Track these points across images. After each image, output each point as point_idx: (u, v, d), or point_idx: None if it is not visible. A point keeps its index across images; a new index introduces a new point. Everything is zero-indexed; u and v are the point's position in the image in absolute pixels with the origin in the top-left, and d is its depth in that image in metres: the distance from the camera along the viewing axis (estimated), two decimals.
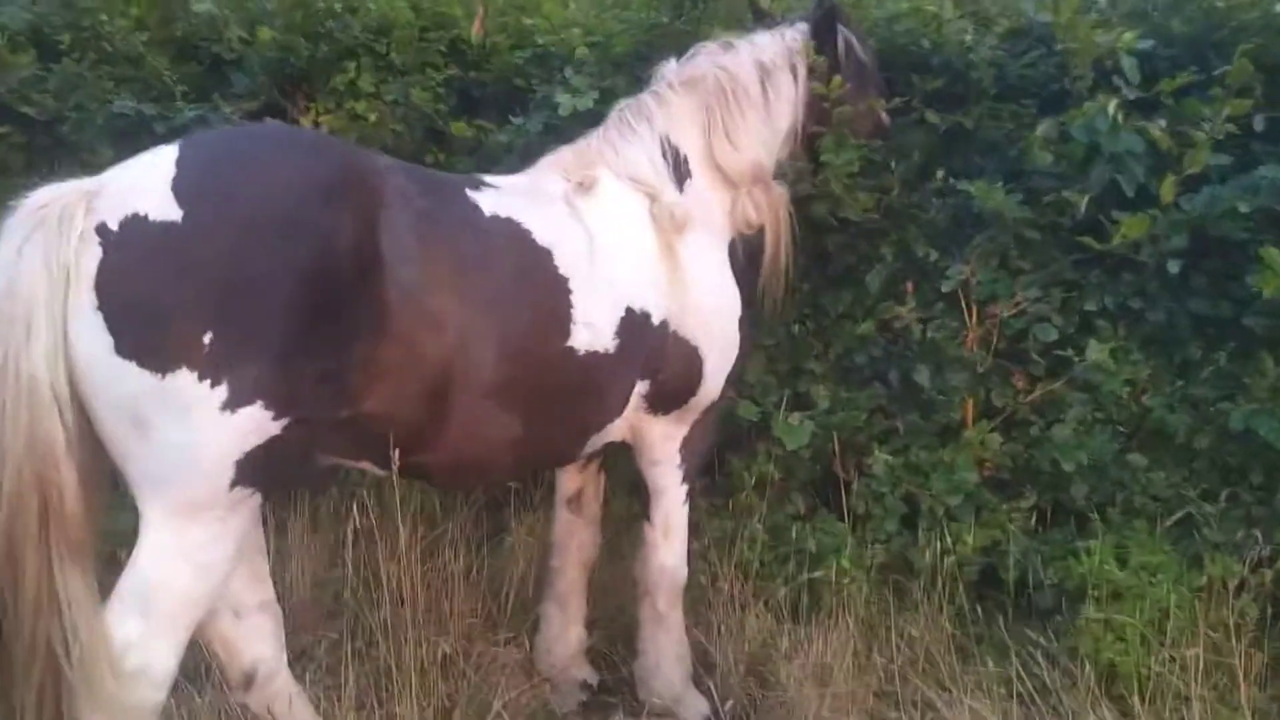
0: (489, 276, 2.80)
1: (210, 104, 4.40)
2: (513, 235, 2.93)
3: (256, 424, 2.35)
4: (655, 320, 3.18)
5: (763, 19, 3.93)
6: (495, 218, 2.92)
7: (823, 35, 3.74)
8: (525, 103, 4.46)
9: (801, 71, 3.69)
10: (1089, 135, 3.46)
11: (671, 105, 3.51)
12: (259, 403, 2.34)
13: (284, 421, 2.39)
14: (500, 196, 3.01)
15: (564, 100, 4.13)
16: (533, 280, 2.92)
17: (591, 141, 3.44)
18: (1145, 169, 3.51)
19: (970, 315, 3.94)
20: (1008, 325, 3.89)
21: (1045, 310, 3.85)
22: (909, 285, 4.06)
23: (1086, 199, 3.59)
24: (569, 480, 3.68)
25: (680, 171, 3.44)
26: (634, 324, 3.10)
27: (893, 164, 3.95)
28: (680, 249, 3.28)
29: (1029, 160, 3.78)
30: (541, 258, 2.95)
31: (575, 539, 3.68)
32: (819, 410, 4.02)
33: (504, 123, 4.35)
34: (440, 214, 2.77)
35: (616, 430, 3.31)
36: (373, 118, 4.36)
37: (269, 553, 3.02)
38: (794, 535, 3.92)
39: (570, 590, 3.68)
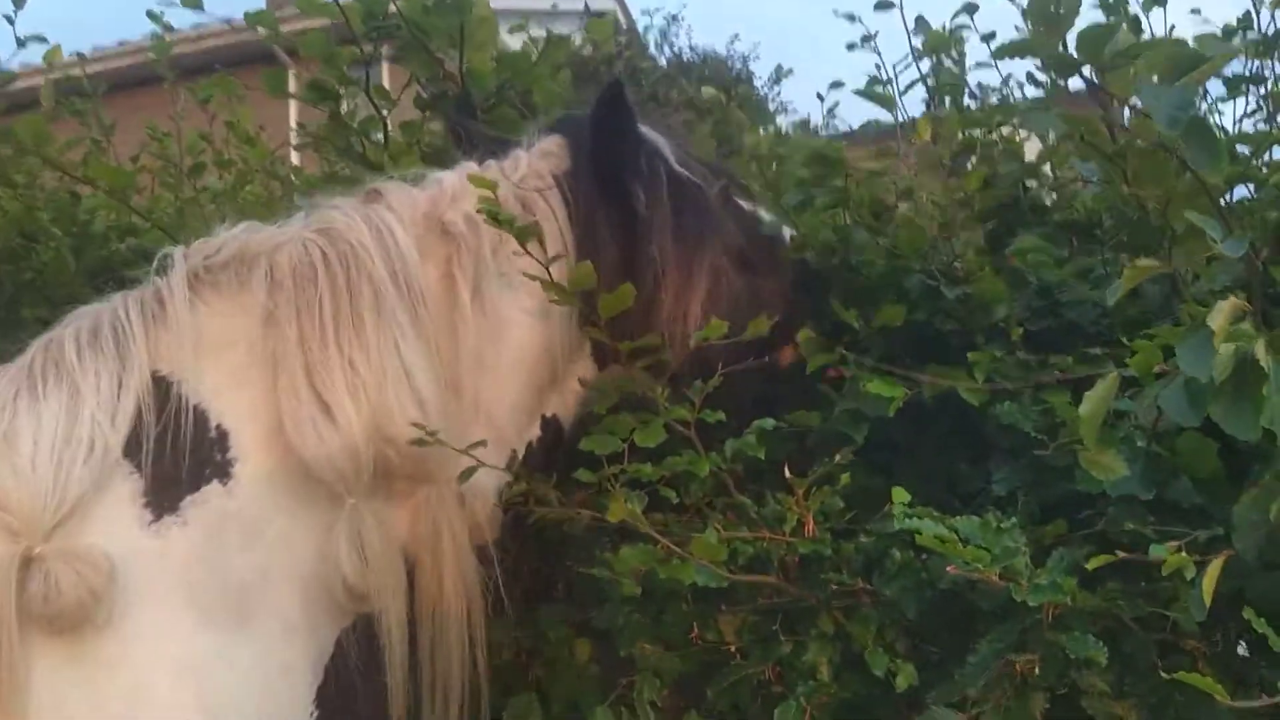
0: None
1: None
2: None
3: None
4: None
5: (475, 142, 2.17)
6: None
7: (606, 154, 1.97)
8: None
9: (559, 230, 1.93)
10: None
11: (182, 319, 1.70)
12: None
13: None
14: None
15: None
16: None
17: None
18: None
19: None
20: None
21: None
22: None
23: None
24: None
25: (195, 463, 1.61)
26: None
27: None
28: (55, 680, 1.43)
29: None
30: None
31: None
32: None
33: None
34: None
35: None
36: None
37: None
38: None
39: None
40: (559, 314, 1.89)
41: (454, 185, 1.93)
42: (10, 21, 3.28)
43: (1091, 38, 1.40)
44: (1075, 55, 1.41)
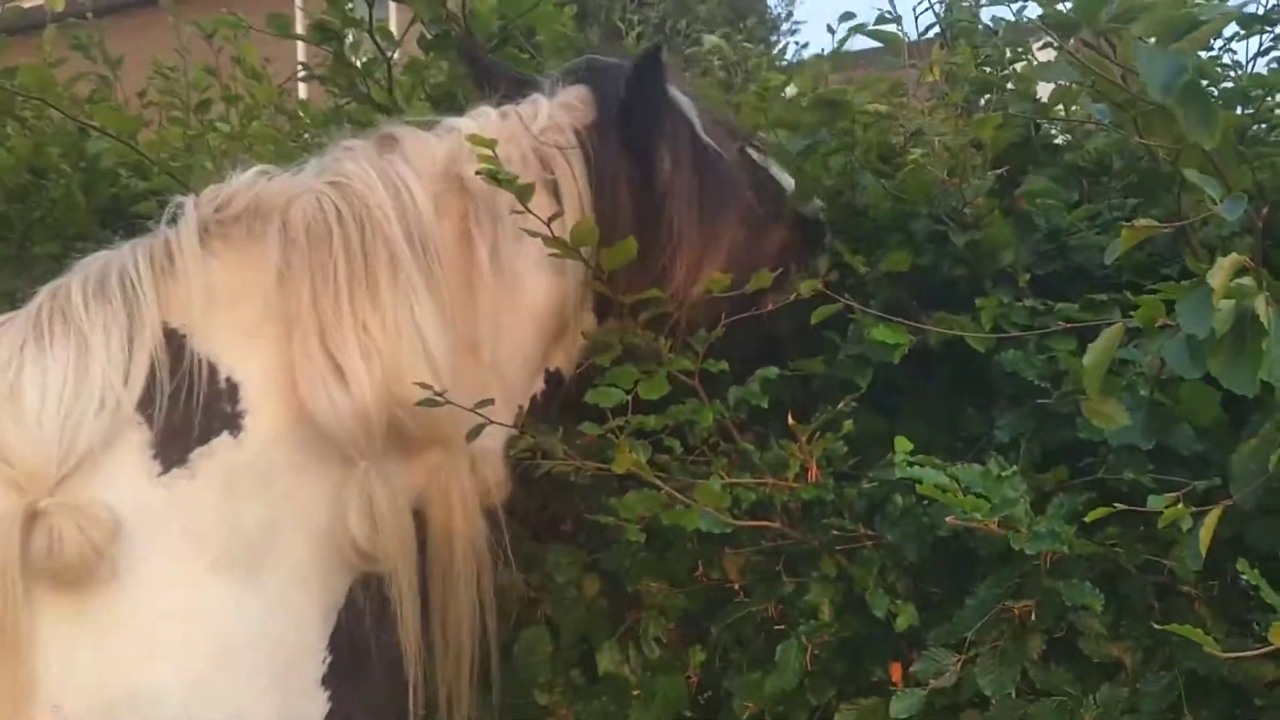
0: None
1: None
2: None
3: None
4: None
5: (494, 82, 2.11)
6: None
7: (636, 113, 1.94)
8: None
9: (579, 191, 1.90)
10: None
11: (192, 272, 1.70)
12: None
13: None
14: None
15: None
16: None
17: None
18: None
19: None
20: None
21: None
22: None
23: None
24: None
25: (205, 415, 1.62)
26: None
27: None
28: (51, 634, 1.45)
29: None
30: None
31: None
32: None
33: None
34: None
35: None
36: None
37: None
38: None
39: None
40: (573, 268, 1.88)
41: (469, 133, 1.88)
42: None
43: (1088, 1, 1.38)
44: (1073, 15, 1.40)
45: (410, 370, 1.67)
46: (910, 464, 1.65)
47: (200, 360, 1.64)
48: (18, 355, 1.59)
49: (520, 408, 1.92)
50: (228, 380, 1.65)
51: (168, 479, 1.57)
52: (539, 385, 1.96)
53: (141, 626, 1.49)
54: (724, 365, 1.87)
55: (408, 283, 1.71)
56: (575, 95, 2.02)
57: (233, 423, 1.63)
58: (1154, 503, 1.45)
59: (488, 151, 1.70)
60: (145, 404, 1.60)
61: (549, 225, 1.72)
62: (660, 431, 1.86)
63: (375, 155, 1.84)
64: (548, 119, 1.97)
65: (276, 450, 1.64)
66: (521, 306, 1.87)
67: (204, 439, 1.60)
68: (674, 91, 2.01)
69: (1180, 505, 1.43)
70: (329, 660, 1.64)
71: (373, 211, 1.74)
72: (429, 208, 1.79)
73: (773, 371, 1.92)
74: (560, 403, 1.99)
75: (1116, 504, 1.49)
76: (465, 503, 1.78)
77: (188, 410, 1.61)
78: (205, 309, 1.68)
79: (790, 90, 2.72)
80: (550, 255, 1.80)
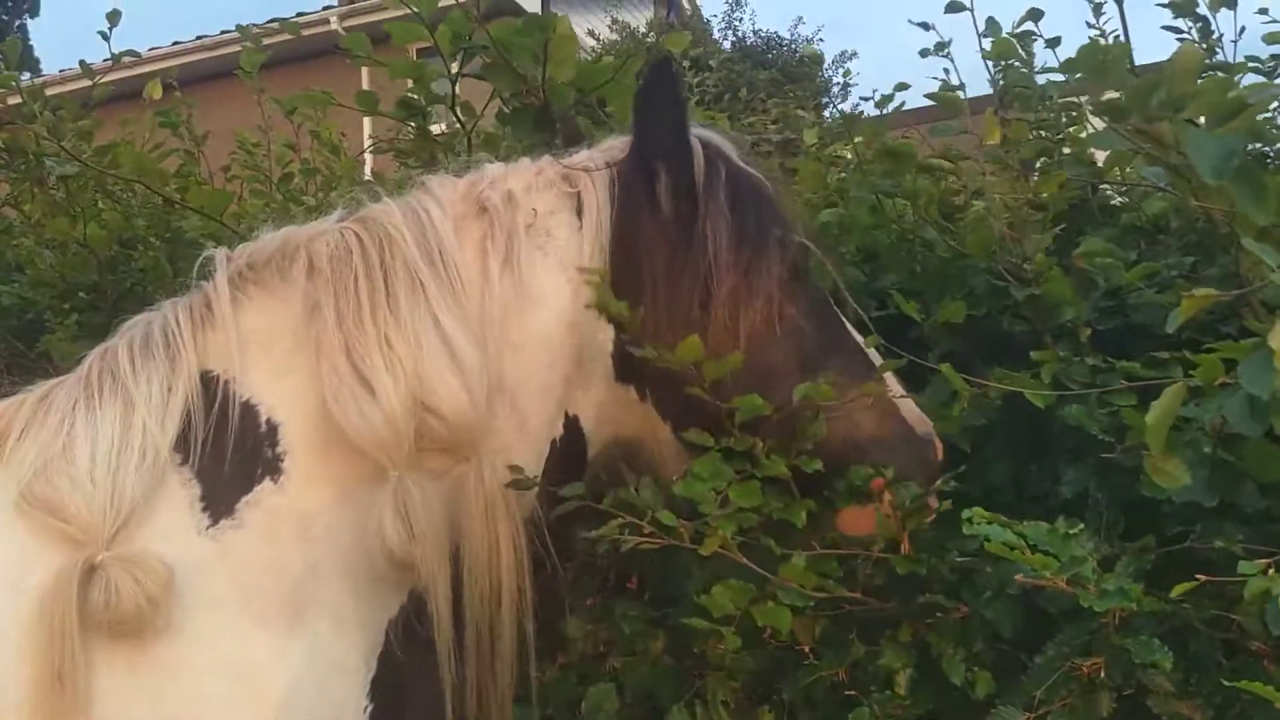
0: None
1: None
2: None
3: None
4: None
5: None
6: None
7: (646, 122, 1.93)
8: None
9: (598, 204, 1.90)
10: None
11: (227, 318, 1.73)
12: None
13: None
14: None
15: None
16: None
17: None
18: None
19: None
20: None
21: None
22: None
23: None
24: None
25: (248, 460, 1.64)
26: None
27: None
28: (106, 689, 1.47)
29: None
30: None
31: None
32: None
33: None
34: None
35: None
36: None
37: None
38: None
39: None
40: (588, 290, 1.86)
41: (496, 170, 1.94)
42: (105, 38, 3.41)
43: (1138, 89, 1.42)
44: (1124, 103, 1.44)
45: (436, 376, 1.67)
46: (978, 522, 1.66)
47: (241, 404, 1.66)
48: (70, 415, 1.63)
49: (548, 444, 1.87)
50: (268, 421, 1.67)
51: (215, 531, 1.58)
52: (558, 429, 1.88)
53: (192, 683, 1.50)
54: (819, 465, 1.86)
55: (426, 298, 1.72)
56: (618, 142, 2.04)
57: (274, 466, 1.64)
58: (1243, 569, 1.45)
59: (596, 279, 1.80)
60: (182, 447, 1.62)
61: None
62: (750, 530, 1.84)
63: (402, 197, 1.89)
64: (584, 157, 2.00)
65: (314, 488, 1.64)
66: (533, 322, 1.82)
67: (248, 487, 1.61)
68: (700, 130, 2.00)
69: (1272, 573, 1.43)
70: (370, 710, 1.64)
71: (390, 235, 1.77)
72: (449, 230, 1.80)
73: (864, 472, 1.89)
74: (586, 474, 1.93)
75: (1186, 559, 1.50)
76: (492, 515, 1.73)
77: (230, 455, 1.62)
78: (243, 352, 1.70)
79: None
80: (651, 360, 1.79)
